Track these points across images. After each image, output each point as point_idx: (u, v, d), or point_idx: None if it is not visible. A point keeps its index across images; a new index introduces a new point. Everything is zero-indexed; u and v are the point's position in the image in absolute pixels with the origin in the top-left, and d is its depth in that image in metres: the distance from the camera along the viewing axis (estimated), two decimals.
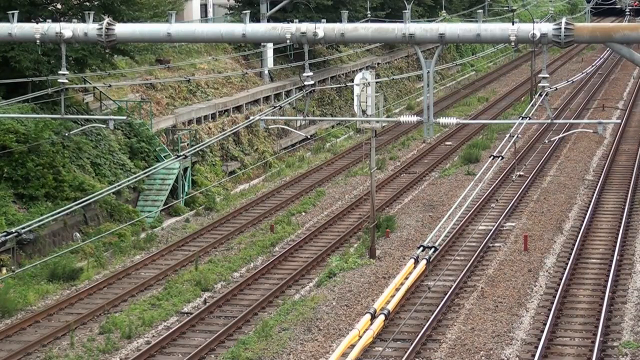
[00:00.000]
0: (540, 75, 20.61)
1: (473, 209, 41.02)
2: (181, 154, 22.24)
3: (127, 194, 39.90)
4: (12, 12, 20.89)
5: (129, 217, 38.78)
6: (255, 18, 54.45)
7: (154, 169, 29.99)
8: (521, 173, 46.57)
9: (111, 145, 41.20)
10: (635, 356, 26.16)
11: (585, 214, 40.54)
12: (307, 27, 19.64)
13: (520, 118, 26.20)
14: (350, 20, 20.36)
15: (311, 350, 26.79)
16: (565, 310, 29.71)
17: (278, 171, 50.65)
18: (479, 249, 35.42)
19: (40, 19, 21.59)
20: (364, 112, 35.62)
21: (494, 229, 38.21)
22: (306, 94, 22.04)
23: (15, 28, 20.70)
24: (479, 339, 27.38)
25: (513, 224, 39.52)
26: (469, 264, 33.74)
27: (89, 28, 20.23)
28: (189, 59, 53.76)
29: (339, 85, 60.57)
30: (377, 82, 50.51)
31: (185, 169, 42.72)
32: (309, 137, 52.82)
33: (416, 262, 15.12)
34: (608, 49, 34.87)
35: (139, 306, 30.72)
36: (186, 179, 42.85)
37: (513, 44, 19.16)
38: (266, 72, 58.50)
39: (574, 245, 36.05)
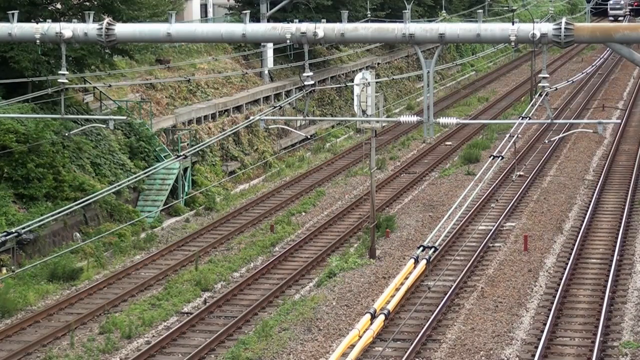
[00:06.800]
0: (540, 75, 20.61)
1: (473, 209, 41.02)
2: (181, 154, 22.25)
3: (127, 194, 39.90)
4: (12, 12, 20.89)
5: (129, 217, 38.79)
6: (255, 18, 54.46)
7: (154, 169, 30.01)
8: (521, 173, 46.57)
9: (111, 145, 41.20)
10: (635, 356, 26.16)
11: (585, 214, 40.54)
12: (307, 27, 19.64)
13: (520, 118, 26.21)
14: (350, 20, 20.35)
15: (311, 350, 26.79)
16: (565, 310, 29.71)
17: (278, 171, 50.65)
18: (479, 249, 35.42)
19: (40, 19, 21.59)
20: (364, 112, 35.63)
21: (494, 229, 38.21)
22: (306, 94, 22.05)
23: (15, 28, 20.70)
24: (479, 339, 27.38)
25: (513, 224, 39.51)
26: (469, 264, 33.74)
27: (89, 28, 20.24)
28: (189, 59, 53.76)
29: (339, 85, 60.56)
30: (377, 82, 50.53)
31: (185, 169, 42.72)
32: (309, 137, 52.83)
33: (416, 262, 15.11)
34: (608, 49, 34.86)
35: (139, 306, 30.72)
36: (186, 179, 42.86)
37: (513, 44, 19.17)
38: (266, 72, 58.50)
39: (574, 245, 36.05)
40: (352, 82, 41.75)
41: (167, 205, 41.09)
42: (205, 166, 46.58)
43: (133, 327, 28.60)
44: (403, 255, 35.66)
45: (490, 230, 38.03)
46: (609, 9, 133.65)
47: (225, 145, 49.69)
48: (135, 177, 28.58)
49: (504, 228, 38.99)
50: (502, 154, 22.42)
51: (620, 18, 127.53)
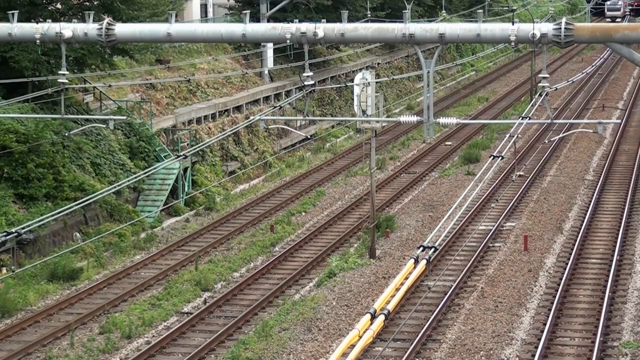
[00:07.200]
0: (540, 75, 20.61)
1: (473, 209, 41.01)
2: (181, 154, 22.24)
3: (127, 194, 39.90)
4: (12, 12, 20.89)
5: (129, 217, 38.79)
6: (255, 18, 54.45)
7: (154, 169, 30.02)
8: (521, 173, 46.56)
9: (111, 145, 41.20)
10: (635, 356, 26.15)
11: (585, 214, 40.54)
12: (307, 27, 19.64)
13: (520, 118, 26.21)
14: (350, 20, 20.35)
15: (311, 350, 26.79)
16: (565, 310, 29.71)
17: (278, 171, 50.65)
18: (479, 249, 35.41)
19: (40, 19, 21.59)
20: (364, 112, 35.62)
21: (494, 229, 38.21)
22: (306, 94, 22.05)
23: (15, 28, 20.70)
24: (479, 339, 27.38)
25: (513, 224, 39.51)
26: (469, 264, 33.74)
27: (89, 28, 20.24)
28: (189, 59, 53.75)
29: (339, 85, 60.56)
30: (377, 82, 50.52)
31: (185, 169, 42.72)
32: (309, 137, 52.83)
33: (416, 262, 15.11)
34: (608, 49, 34.86)
35: (139, 306, 30.72)
36: (186, 179, 42.85)
37: (513, 44, 19.17)
38: (266, 72, 58.50)
39: (574, 245, 36.05)
40: (352, 82, 41.75)
41: (167, 205, 41.09)
42: (205, 166, 46.58)
43: (133, 327, 28.59)
44: (403, 255, 35.66)
45: (490, 230, 38.02)
46: (606, 10, 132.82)
47: (225, 145, 49.69)
48: (135, 177, 28.59)
49: (504, 228, 38.98)
50: (502, 154, 22.43)
51: (618, 20, 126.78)
